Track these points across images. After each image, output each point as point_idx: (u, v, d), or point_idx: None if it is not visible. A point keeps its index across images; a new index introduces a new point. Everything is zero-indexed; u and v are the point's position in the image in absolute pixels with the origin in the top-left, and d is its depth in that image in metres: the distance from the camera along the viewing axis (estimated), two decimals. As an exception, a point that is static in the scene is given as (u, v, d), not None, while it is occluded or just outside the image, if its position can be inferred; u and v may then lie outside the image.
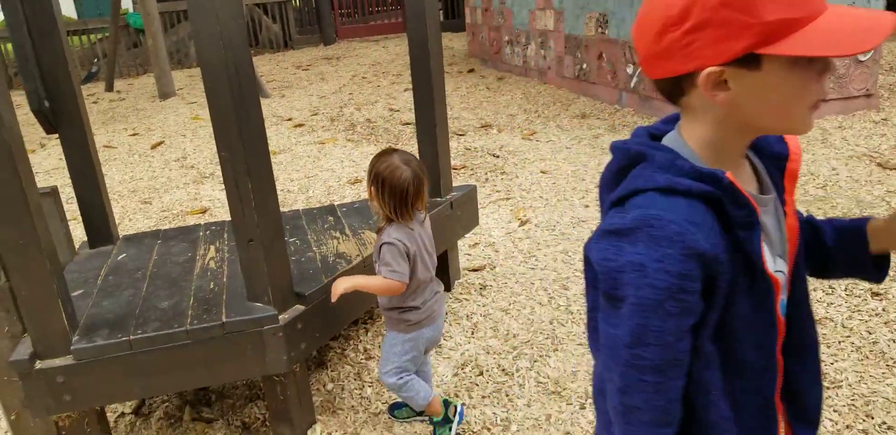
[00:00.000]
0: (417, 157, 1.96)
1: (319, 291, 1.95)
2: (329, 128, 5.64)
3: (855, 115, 4.62)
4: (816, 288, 2.56)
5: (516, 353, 2.26)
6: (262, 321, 1.78)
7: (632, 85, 5.36)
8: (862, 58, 4.67)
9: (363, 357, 2.30)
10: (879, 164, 3.71)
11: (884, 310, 2.39)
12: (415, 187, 1.73)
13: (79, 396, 1.66)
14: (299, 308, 1.88)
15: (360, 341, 2.39)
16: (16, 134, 1.57)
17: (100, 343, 1.65)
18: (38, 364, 1.63)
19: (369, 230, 2.37)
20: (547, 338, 2.34)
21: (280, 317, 1.81)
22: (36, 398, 1.64)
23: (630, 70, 5.38)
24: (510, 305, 2.59)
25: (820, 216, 3.07)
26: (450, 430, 1.89)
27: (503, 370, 2.17)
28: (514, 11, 7.26)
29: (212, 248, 2.34)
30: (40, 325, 1.62)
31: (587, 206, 3.52)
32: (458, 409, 1.93)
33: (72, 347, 1.64)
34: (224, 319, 1.76)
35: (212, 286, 2.00)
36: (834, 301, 2.48)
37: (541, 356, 2.23)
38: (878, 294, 2.50)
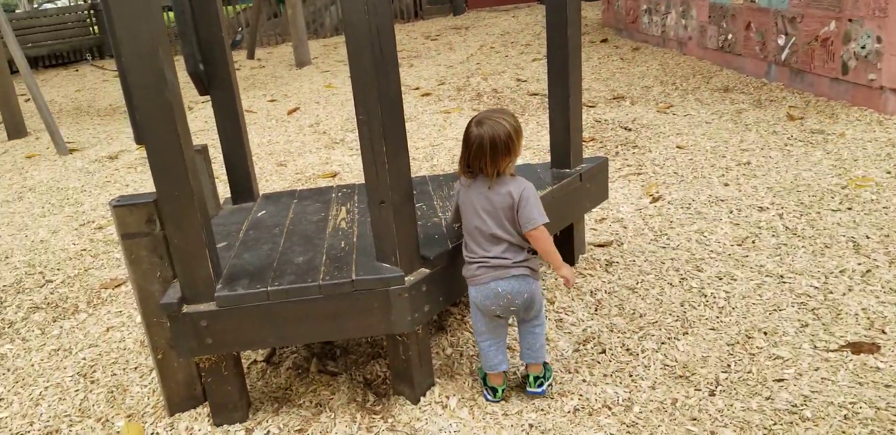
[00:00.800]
0: (548, 126, 1.92)
1: (444, 255, 1.96)
2: (455, 97, 5.64)
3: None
4: None
5: (642, 333, 2.18)
6: (390, 281, 1.82)
7: (783, 57, 4.92)
8: None
9: (482, 325, 2.30)
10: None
11: None
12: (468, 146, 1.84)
13: (219, 341, 1.78)
14: (424, 271, 1.90)
15: (480, 309, 2.39)
16: (177, 94, 1.67)
17: (240, 292, 1.75)
18: (185, 308, 1.75)
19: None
20: (676, 320, 2.23)
21: (406, 278, 1.84)
22: (181, 340, 1.77)
23: (782, 41, 4.94)
24: (637, 283, 2.48)
25: None
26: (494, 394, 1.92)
27: (627, 350, 2.10)
28: (657, -22, 6.86)
29: (343, 209, 2.41)
30: (189, 272, 1.74)
31: (727, 185, 3.30)
32: (539, 391, 1.91)
33: (215, 295, 1.76)
34: (354, 277, 1.82)
35: (343, 245, 2.06)
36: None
37: (669, 338, 2.13)
38: None
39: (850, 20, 4.28)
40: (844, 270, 2.44)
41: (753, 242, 2.71)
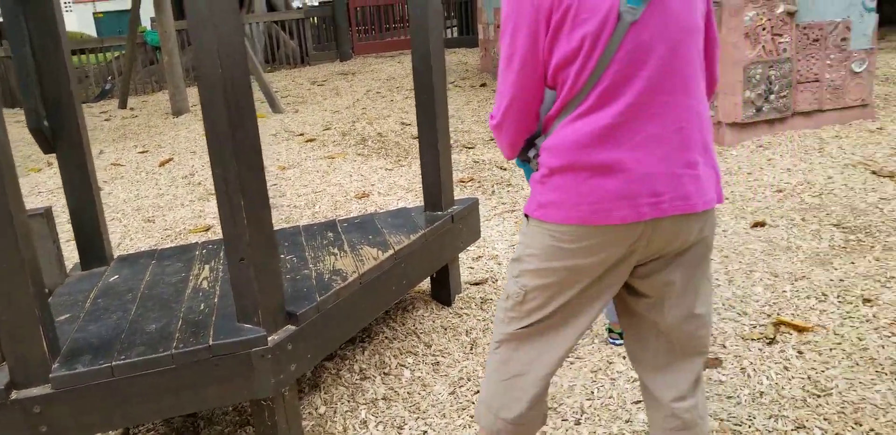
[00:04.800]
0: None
1: (312, 310, 1.93)
2: (340, 142, 5.65)
3: (851, 125, 4.59)
4: (810, 295, 2.50)
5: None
6: (251, 343, 1.76)
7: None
8: (857, 69, 4.63)
9: (358, 378, 2.26)
10: (874, 172, 3.68)
11: (874, 316, 2.34)
12: None
13: (56, 428, 1.61)
14: (290, 329, 1.86)
15: (356, 361, 2.36)
16: (6, 154, 1.56)
17: (80, 370, 1.62)
18: (14, 394, 1.58)
19: (368, 246, 2.35)
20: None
21: (269, 338, 1.79)
22: (10, 430, 1.60)
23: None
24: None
25: (815, 224, 3.09)
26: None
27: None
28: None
29: (206, 267, 2.33)
30: (19, 352, 1.59)
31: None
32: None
33: (51, 375, 1.60)
34: (211, 342, 1.74)
35: (202, 307, 1.98)
36: (826, 308, 2.42)
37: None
38: (868, 300, 2.44)
39: (690, 63, 4.71)
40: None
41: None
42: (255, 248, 1.75)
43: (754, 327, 2.37)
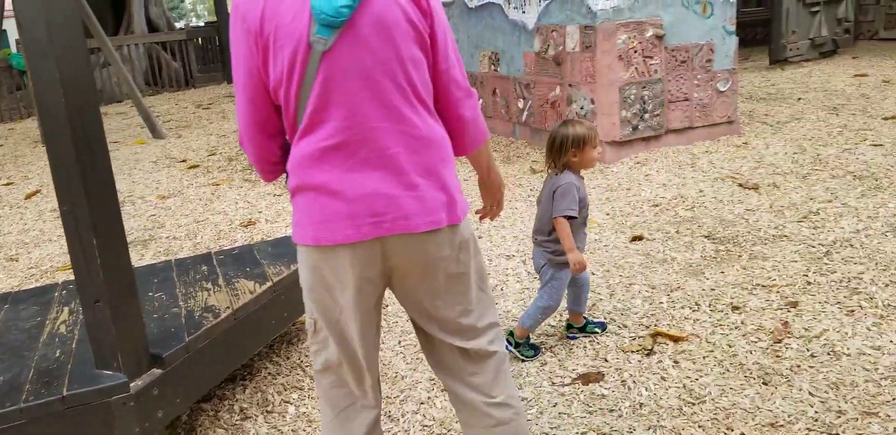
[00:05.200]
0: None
1: (181, 350, 1.81)
2: (226, 168, 5.46)
3: (719, 141, 4.93)
4: (684, 306, 2.63)
5: (403, 396, 2.18)
6: (110, 391, 1.63)
7: (524, 118, 5.49)
8: (722, 88, 5.00)
9: (239, 418, 2.15)
10: (740, 185, 3.95)
11: (742, 323, 2.48)
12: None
13: None
14: (156, 372, 1.74)
15: (236, 400, 2.24)
16: None
17: None
18: None
19: (245, 278, 2.25)
20: (431, 379, 2.27)
21: (131, 384, 1.67)
22: None
23: (521, 104, 5.51)
24: (398, 343, 2.51)
25: (688, 236, 3.27)
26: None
27: (390, 416, 2.08)
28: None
29: (66, 310, 2.15)
30: None
31: (480, 238, 3.52)
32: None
33: None
34: (65, 392, 1.60)
35: (58, 354, 1.82)
36: (699, 317, 2.55)
37: (428, 398, 2.16)
38: (737, 308, 2.59)
39: (570, 85, 4.91)
40: (578, 308, 2.69)
41: (502, 289, 2.90)
42: (111, 288, 1.64)
43: (633, 339, 2.46)
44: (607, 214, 3.71)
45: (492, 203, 1.66)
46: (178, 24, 13.90)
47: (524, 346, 2.39)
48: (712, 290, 2.76)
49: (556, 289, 2.33)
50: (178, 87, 11.14)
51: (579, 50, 4.78)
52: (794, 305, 2.58)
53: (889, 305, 2.50)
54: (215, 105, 8.96)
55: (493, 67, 5.81)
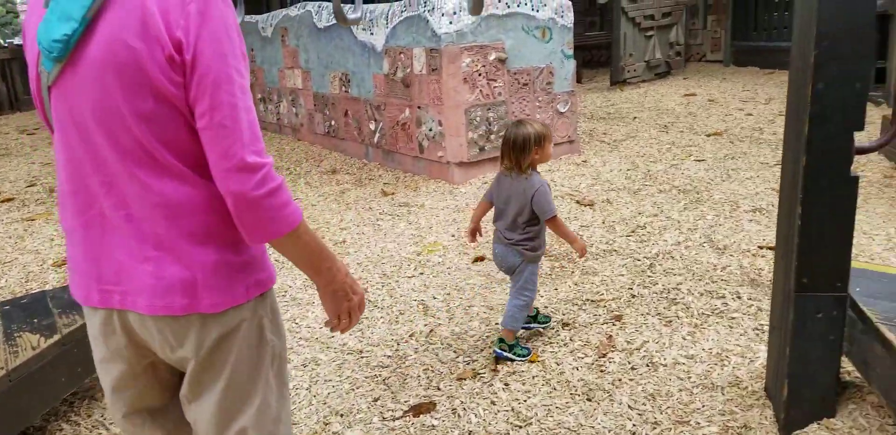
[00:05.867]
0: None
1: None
2: (45, 201, 5.00)
3: (561, 159, 5.15)
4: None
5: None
6: None
7: (376, 140, 5.47)
8: (562, 109, 5.25)
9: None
10: (578, 202, 4.13)
11: (570, 339, 2.56)
12: (502, 143, 2.41)
13: None
14: None
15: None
16: None
17: None
18: None
19: (29, 332, 2.01)
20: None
21: None
22: None
23: (373, 126, 5.49)
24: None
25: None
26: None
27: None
28: (265, 69, 7.17)
29: None
30: None
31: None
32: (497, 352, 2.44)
33: None
34: None
35: None
36: (531, 336, 2.61)
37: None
38: (567, 324, 2.68)
39: (419, 107, 4.95)
40: (414, 333, 2.67)
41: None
42: None
43: (468, 364, 2.46)
44: (452, 236, 3.74)
45: (336, 314, 1.26)
46: (14, 41, 12.73)
47: (517, 346, 2.45)
48: (545, 307, 2.83)
49: (532, 283, 2.47)
50: (0, 111, 10.17)
51: (426, 72, 4.84)
52: (619, 318, 2.69)
53: (703, 313, 2.68)
54: (42, 130, 8.25)
55: (343, 89, 5.77)
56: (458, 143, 4.75)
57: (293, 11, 6.38)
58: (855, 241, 3.20)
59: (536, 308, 2.63)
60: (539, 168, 2.43)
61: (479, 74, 4.84)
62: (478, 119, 4.81)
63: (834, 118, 1.78)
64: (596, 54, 10.36)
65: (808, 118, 1.79)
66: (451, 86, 4.73)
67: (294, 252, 1.15)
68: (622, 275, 3.08)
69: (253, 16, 7.41)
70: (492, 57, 4.89)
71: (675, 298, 2.81)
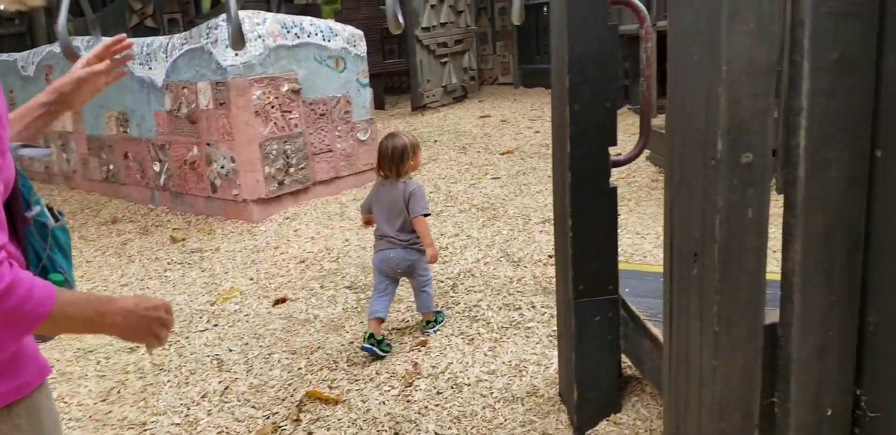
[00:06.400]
0: None
1: None
2: None
3: (366, 187, 5.14)
4: (322, 367, 2.54)
5: None
6: None
7: (162, 182, 5.09)
8: (362, 138, 5.26)
9: None
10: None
11: (377, 373, 2.47)
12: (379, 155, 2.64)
13: None
14: None
15: None
16: None
17: None
18: None
19: None
20: None
21: None
22: None
23: (158, 167, 5.11)
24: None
25: (332, 290, 3.26)
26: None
27: None
28: (30, 112, 6.42)
29: None
30: None
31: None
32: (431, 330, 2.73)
33: None
34: None
35: None
36: (337, 376, 2.50)
37: None
38: (373, 358, 2.60)
39: (208, 144, 4.68)
40: (206, 393, 2.44)
41: (119, 392, 2.52)
42: None
43: (268, 418, 2.28)
44: (251, 280, 3.53)
45: (149, 341, 1.13)
46: None
47: (439, 313, 2.80)
48: (350, 343, 2.74)
49: (429, 270, 2.78)
50: None
51: (213, 107, 4.59)
52: (424, 343, 2.67)
53: (502, 326, 2.73)
54: None
55: (122, 129, 5.31)
56: (255, 179, 4.54)
57: (57, 48, 5.79)
58: (629, 241, 3.51)
59: (383, 335, 2.68)
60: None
61: (273, 107, 4.69)
62: (274, 153, 4.64)
63: (590, 136, 1.90)
64: (397, 81, 10.61)
65: (568, 137, 1.89)
66: (243, 120, 4.53)
67: (60, 330, 1.04)
68: (426, 298, 3.08)
69: (11, 54, 6.64)
70: (285, 88, 4.76)
71: (477, 315, 2.85)
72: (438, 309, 2.86)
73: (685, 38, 1.10)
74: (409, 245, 2.65)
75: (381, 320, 2.64)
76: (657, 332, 1.92)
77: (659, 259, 3.22)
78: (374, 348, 2.55)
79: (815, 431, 1.24)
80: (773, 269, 1.19)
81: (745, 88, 1.03)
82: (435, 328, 2.75)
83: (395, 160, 2.60)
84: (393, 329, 2.83)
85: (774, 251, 1.50)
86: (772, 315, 1.23)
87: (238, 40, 2.82)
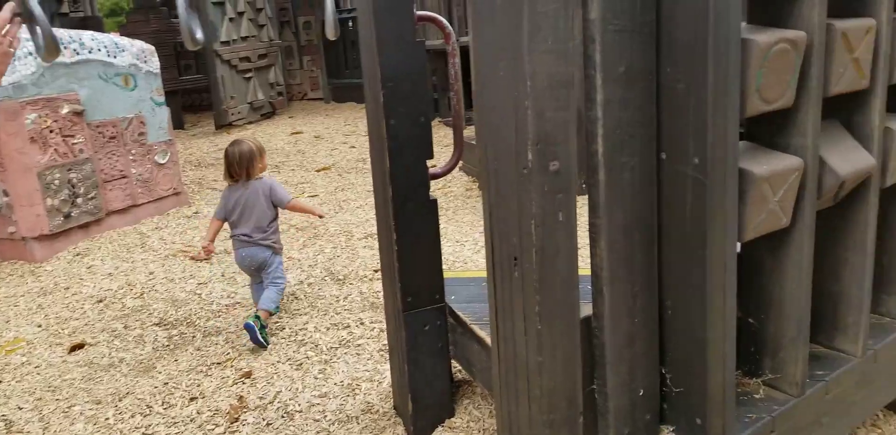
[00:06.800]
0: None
1: None
2: None
3: (169, 214, 4.80)
4: (135, 413, 2.29)
5: None
6: None
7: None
8: (161, 161, 4.90)
9: None
10: (192, 258, 3.85)
11: (198, 412, 2.30)
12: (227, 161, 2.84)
13: None
14: None
15: None
16: None
17: None
18: None
19: None
20: None
21: None
22: None
23: None
24: None
25: (138, 329, 2.97)
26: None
27: None
28: None
29: None
30: None
31: None
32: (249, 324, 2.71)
33: None
34: None
35: None
36: (151, 422, 2.27)
37: None
38: (194, 398, 2.41)
39: (-29, 175, 4.05)
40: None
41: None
42: None
43: (72, 480, 2.01)
44: (39, 326, 3.09)
45: None
46: None
47: (264, 331, 2.74)
48: (165, 384, 2.50)
49: (282, 271, 2.93)
50: None
51: (-24, 133, 3.99)
52: (249, 374, 2.52)
53: (332, 347, 2.67)
54: None
55: None
56: (35, 213, 4.01)
57: None
58: (450, 249, 3.63)
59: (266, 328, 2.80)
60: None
61: (52, 131, 4.18)
62: (57, 182, 4.13)
63: (408, 150, 1.92)
64: (197, 98, 10.03)
65: (387, 152, 1.89)
66: (15, 147, 3.99)
67: None
68: (248, 327, 2.92)
69: None
70: (65, 110, 4.27)
71: (304, 339, 2.76)
72: (275, 311, 2.90)
73: (489, 55, 1.15)
74: (261, 242, 2.84)
75: (268, 311, 2.84)
76: (484, 335, 1.99)
77: (479, 265, 3.37)
78: (255, 328, 2.66)
79: (630, 411, 1.36)
80: (584, 265, 1.29)
81: (548, 102, 1.11)
82: (254, 328, 2.68)
83: (244, 164, 2.78)
84: (213, 364, 2.64)
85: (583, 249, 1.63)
86: (586, 309, 1.33)
87: (52, 50, 2.32)
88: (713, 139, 1.13)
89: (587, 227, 1.26)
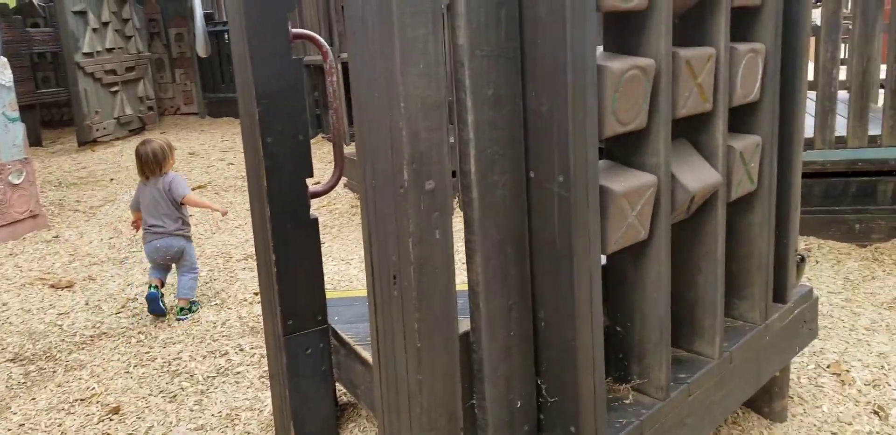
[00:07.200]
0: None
1: None
2: None
3: (25, 239, 4.43)
4: None
5: None
6: None
7: None
8: (16, 181, 4.51)
9: None
10: (52, 286, 3.56)
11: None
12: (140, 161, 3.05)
13: None
14: None
15: None
16: None
17: None
18: None
19: None
20: None
21: None
22: None
23: None
24: None
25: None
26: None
27: None
28: None
29: None
30: None
31: None
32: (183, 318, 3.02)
33: None
34: None
35: None
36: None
37: None
38: None
39: None
40: None
41: None
42: None
43: None
44: None
45: None
46: None
47: (194, 304, 3.07)
48: (21, 426, 2.28)
49: (195, 258, 3.13)
50: None
51: None
52: (117, 410, 2.35)
53: (209, 376, 2.54)
54: None
55: None
56: None
57: None
58: (335, 268, 3.57)
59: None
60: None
61: None
62: None
63: (286, 168, 1.88)
64: (57, 113, 9.31)
65: (264, 171, 1.84)
66: None
67: None
68: (115, 359, 2.72)
69: None
70: None
71: (178, 369, 2.61)
72: (194, 299, 3.10)
73: (365, 77, 1.17)
74: (175, 233, 3.02)
75: (162, 282, 3.08)
76: (367, 355, 1.97)
77: (365, 283, 3.34)
78: (158, 296, 2.95)
79: (509, 424, 1.40)
80: (461, 280, 1.32)
81: (422, 123, 1.14)
82: (187, 317, 2.97)
83: (157, 161, 2.98)
84: (76, 401, 2.43)
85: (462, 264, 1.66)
86: (465, 324, 1.36)
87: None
88: (575, 158, 1.20)
89: (462, 243, 1.30)
